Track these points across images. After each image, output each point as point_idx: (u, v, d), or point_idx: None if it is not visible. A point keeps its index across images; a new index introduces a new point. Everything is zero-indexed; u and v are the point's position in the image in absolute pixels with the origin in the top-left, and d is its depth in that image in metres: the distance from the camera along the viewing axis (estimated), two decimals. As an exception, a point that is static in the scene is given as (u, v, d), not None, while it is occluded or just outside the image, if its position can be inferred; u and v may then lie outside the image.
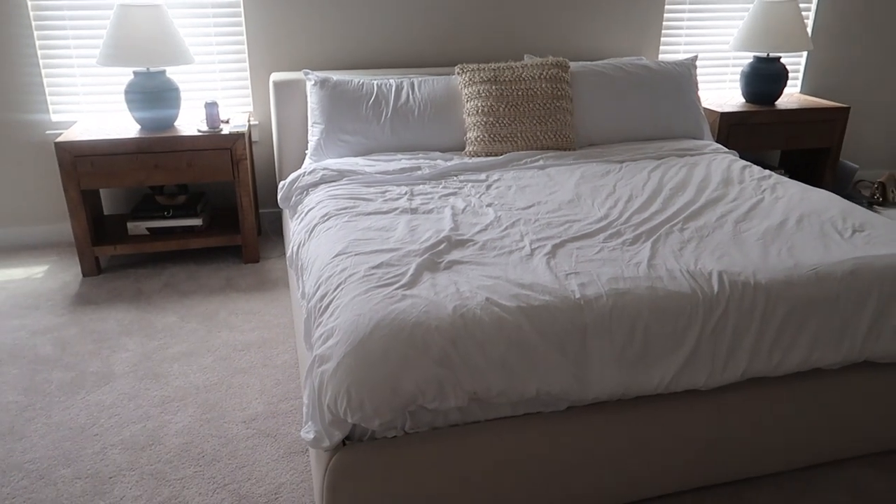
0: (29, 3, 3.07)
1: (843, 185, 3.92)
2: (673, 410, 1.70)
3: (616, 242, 1.97)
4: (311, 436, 1.53)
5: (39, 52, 3.16)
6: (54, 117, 3.27)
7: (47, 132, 3.26)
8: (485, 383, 1.52)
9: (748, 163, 2.75)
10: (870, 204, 3.97)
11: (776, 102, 3.68)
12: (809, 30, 3.93)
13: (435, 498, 1.59)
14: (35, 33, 3.12)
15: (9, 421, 2.08)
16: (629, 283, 1.70)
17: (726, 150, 2.96)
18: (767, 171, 2.64)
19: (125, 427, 2.06)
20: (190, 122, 3.16)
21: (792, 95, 3.91)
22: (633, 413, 1.68)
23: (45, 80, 3.20)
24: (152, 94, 2.97)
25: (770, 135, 3.57)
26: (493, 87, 2.89)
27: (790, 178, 3.86)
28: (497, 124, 2.85)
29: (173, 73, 3.24)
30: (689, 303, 1.67)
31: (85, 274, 3.05)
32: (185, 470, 1.88)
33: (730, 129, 3.50)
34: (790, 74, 4.01)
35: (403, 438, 1.56)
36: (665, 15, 3.71)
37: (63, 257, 3.25)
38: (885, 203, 4.01)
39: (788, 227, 2.08)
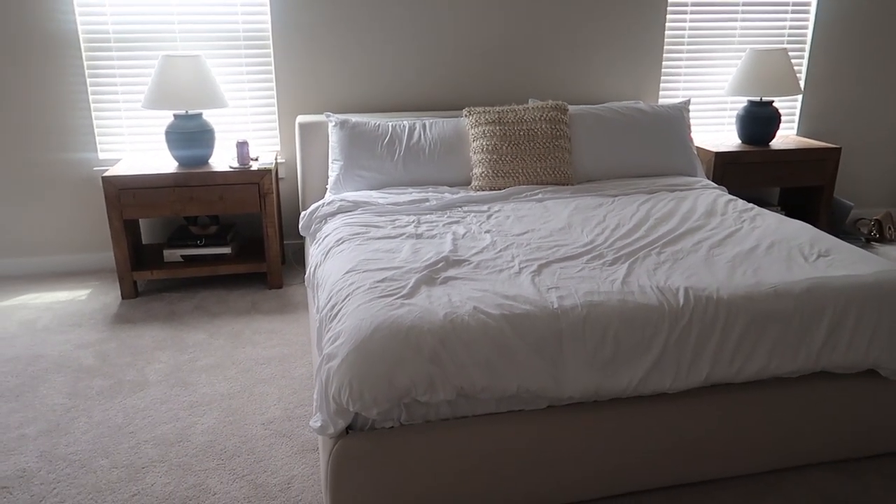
0: (84, 55, 3.45)
1: (839, 222, 4.09)
2: (644, 412, 1.89)
3: (597, 263, 2.18)
4: (319, 424, 1.75)
5: (91, 98, 3.52)
6: (101, 155, 3.61)
7: (94, 168, 3.60)
8: (470, 380, 1.74)
9: (734, 197, 2.95)
10: (867, 241, 4.13)
11: (770, 143, 3.89)
12: (803, 75, 4.15)
13: (426, 482, 1.79)
14: (87, 80, 3.48)
15: (55, 419, 2.34)
16: (603, 297, 1.91)
17: (715, 185, 3.17)
18: (751, 205, 2.84)
19: (157, 426, 2.29)
20: (223, 159, 3.47)
21: (787, 137, 4.12)
22: (607, 413, 1.87)
23: (94, 122, 3.55)
24: (190, 134, 3.30)
25: (763, 173, 3.77)
26: (498, 127, 3.16)
27: (786, 214, 4.04)
28: (500, 161, 3.11)
29: (209, 116, 3.57)
30: (656, 314, 1.87)
31: (124, 297, 3.34)
32: (209, 463, 2.11)
33: (724, 168, 3.71)
34: (787, 117, 4.23)
35: (399, 429, 1.77)
36: (664, 62, 3.97)
37: (104, 282, 3.55)
38: (883, 240, 4.16)
39: (758, 252, 2.28)
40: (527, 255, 2.26)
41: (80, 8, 3.38)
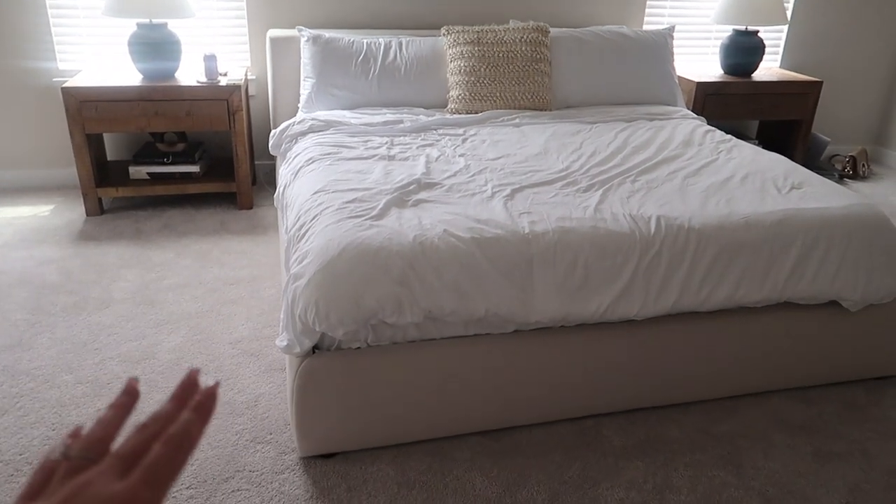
0: (39, -46, 3.23)
1: (815, 157, 4.09)
2: (610, 338, 1.91)
3: (571, 190, 2.16)
4: (285, 343, 1.74)
5: (48, 2, 3.32)
6: (61, 65, 3.44)
7: (54, 79, 3.44)
8: (438, 302, 1.73)
9: (712, 128, 2.92)
10: (840, 177, 4.14)
11: (753, 75, 3.83)
12: (790, 5, 4.06)
13: (391, 403, 1.80)
14: (44, -17, 3.28)
15: (17, 335, 2.30)
16: (575, 223, 1.89)
17: (695, 115, 3.13)
18: (728, 136, 2.81)
19: (122, 344, 2.27)
20: (190, 74, 3.33)
21: (770, 69, 4.06)
22: (573, 338, 1.88)
23: (52, 30, 3.37)
24: (154, 45, 3.15)
25: (744, 105, 3.73)
26: (476, 48, 3.05)
27: (763, 148, 4.02)
28: (478, 84, 3.02)
29: (175, 27, 3.40)
30: (627, 241, 1.86)
31: (88, 214, 3.26)
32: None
33: (705, 99, 3.66)
34: (772, 48, 4.15)
35: (366, 350, 1.77)
36: (650, -14, 3.84)
37: (68, 199, 3.45)
38: (856, 177, 4.18)
39: (732, 183, 2.26)
40: (500, 179, 2.22)
41: None
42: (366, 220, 1.86)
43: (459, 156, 2.47)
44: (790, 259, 1.96)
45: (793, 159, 3.89)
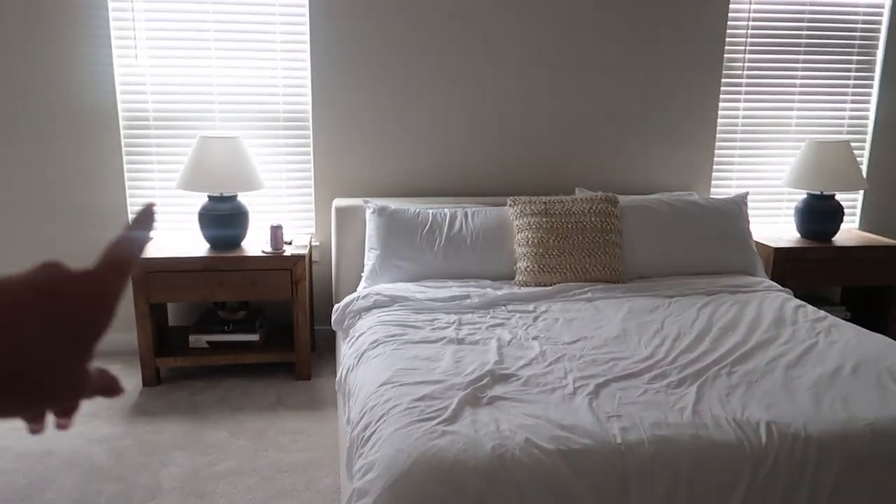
0: (122, 132, 3.40)
1: (909, 324, 3.78)
2: (721, 569, 1.62)
3: (661, 384, 1.95)
4: (345, 574, 1.52)
5: (126, 175, 3.45)
6: (133, 234, 3.51)
7: (126, 247, 3.50)
8: (521, 529, 1.50)
9: (802, 302, 2.71)
10: (940, 344, 3.80)
11: (833, 239, 3.65)
12: (865, 166, 3.94)
13: None
14: (124, 158, 3.43)
15: (57, 533, 2.13)
16: (672, 430, 1.68)
17: (780, 287, 2.93)
18: (823, 313, 2.60)
19: (165, 547, 2.08)
20: (256, 242, 3.34)
21: (850, 231, 3.88)
22: (677, 569, 1.61)
23: (128, 201, 3.48)
24: (223, 217, 3.19)
25: (827, 272, 3.52)
26: (544, 219, 2.99)
27: (852, 315, 3.75)
28: (546, 255, 2.92)
29: (244, 196, 3.47)
30: (735, 454, 1.63)
31: (145, 384, 3.17)
32: None
33: (784, 265, 3.47)
34: (848, 210, 3.99)
35: (437, 582, 1.53)
36: (716, 151, 3.80)
37: (126, 366, 3.39)
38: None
39: (843, 375, 2.02)
40: (581, 370, 2.04)
41: (122, 87, 3.36)
42: (437, 423, 1.68)
43: (533, 339, 2.31)
44: (930, 475, 1.68)
45: (886, 328, 3.60)
